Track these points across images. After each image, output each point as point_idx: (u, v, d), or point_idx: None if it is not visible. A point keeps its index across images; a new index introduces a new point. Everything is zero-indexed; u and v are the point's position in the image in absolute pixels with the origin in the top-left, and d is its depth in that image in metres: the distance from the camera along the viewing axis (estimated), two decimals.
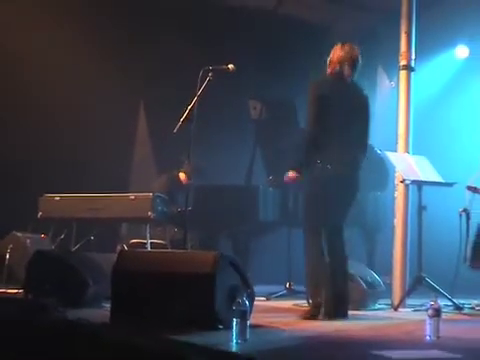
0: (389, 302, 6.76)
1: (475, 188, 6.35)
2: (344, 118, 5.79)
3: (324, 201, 5.74)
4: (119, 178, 9.45)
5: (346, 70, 5.81)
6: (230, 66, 6.04)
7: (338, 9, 10.39)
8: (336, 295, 5.68)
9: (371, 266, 7.51)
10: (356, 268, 6.78)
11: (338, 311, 5.66)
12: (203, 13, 9.44)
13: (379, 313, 6.34)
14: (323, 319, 5.54)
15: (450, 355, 3.79)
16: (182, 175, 8.38)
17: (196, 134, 5.84)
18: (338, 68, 5.81)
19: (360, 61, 5.86)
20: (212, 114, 8.53)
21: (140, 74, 9.36)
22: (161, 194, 7.49)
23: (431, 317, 4.36)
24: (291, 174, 5.86)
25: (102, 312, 5.23)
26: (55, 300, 5.13)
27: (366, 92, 6.02)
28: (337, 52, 5.84)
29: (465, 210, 6.32)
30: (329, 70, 5.85)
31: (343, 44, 5.85)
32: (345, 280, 5.85)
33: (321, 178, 5.72)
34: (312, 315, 5.62)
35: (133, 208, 7.15)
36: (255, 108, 7.79)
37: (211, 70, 5.96)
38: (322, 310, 5.61)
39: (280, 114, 7.67)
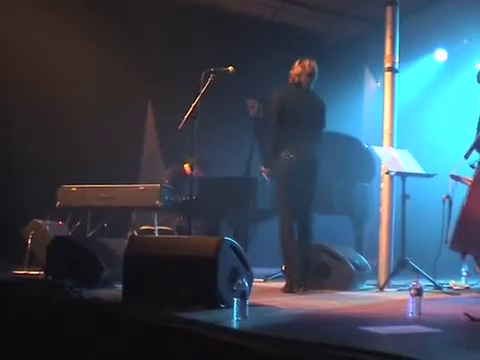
0: (375, 283, 6.77)
1: (458, 177, 6.33)
2: (302, 118, 6.31)
3: (291, 185, 6.21)
4: (130, 171, 9.45)
5: (303, 81, 6.34)
6: (230, 68, 6.03)
7: (330, 18, 10.38)
8: (303, 266, 6.14)
9: (359, 250, 7.50)
10: (345, 252, 6.78)
11: (298, 281, 6.06)
12: (209, 19, 9.42)
13: (366, 293, 6.34)
14: (297, 291, 5.97)
15: (430, 329, 3.80)
16: (187, 167, 8.36)
17: (199, 131, 5.84)
18: (296, 79, 6.36)
19: (316, 72, 6.39)
20: (214, 112, 8.53)
21: (148, 75, 9.33)
22: (168, 185, 7.48)
23: (413, 296, 4.36)
24: (264, 169, 6.72)
25: (115, 292, 5.23)
26: (72, 281, 5.12)
27: (322, 99, 6.53)
28: (296, 67, 6.37)
29: (448, 197, 6.31)
30: (290, 81, 6.40)
31: (301, 61, 6.36)
32: (309, 253, 6.28)
33: (287, 168, 6.20)
34: (289, 290, 6.00)
35: (142, 198, 7.15)
36: (253, 107, 7.78)
37: (213, 72, 5.96)
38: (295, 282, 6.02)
39: None
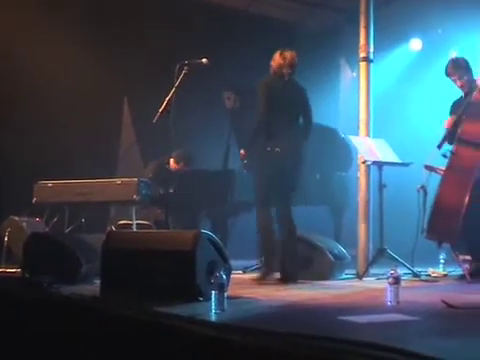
0: (354, 272, 6.79)
1: (431, 167, 6.38)
2: (287, 110, 6.30)
3: (272, 178, 6.21)
4: (107, 166, 9.41)
5: (285, 72, 6.30)
6: (204, 60, 6.01)
7: (305, 8, 10.38)
8: (288, 259, 6.18)
9: (338, 240, 7.53)
10: (324, 242, 6.81)
11: (292, 274, 6.11)
12: (184, 11, 9.36)
13: (345, 282, 6.36)
14: (283, 283, 5.99)
15: (408, 317, 3.82)
16: (172, 162, 8.33)
17: (175, 123, 5.82)
18: (278, 71, 6.32)
19: (297, 62, 6.36)
20: (191, 105, 8.50)
21: (124, 70, 9.28)
22: (145, 179, 7.46)
23: (391, 284, 4.38)
24: (242, 152, 6.60)
25: (93, 288, 5.19)
26: (50, 278, 5.09)
27: (305, 88, 6.49)
28: (277, 59, 6.34)
29: (423, 187, 6.35)
30: (272, 72, 6.37)
31: (282, 52, 6.33)
32: (295, 246, 6.27)
33: (269, 160, 6.20)
34: (261, 279, 6.07)
35: (120, 192, 7.12)
36: (229, 98, 7.77)
37: (187, 64, 5.94)
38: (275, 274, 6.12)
39: (251, 103, 7.65)
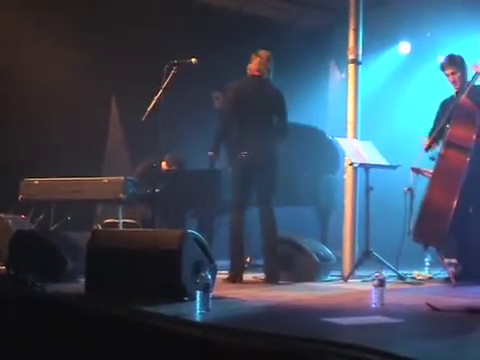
0: (340, 274, 6.81)
1: (418, 169, 6.40)
2: (259, 112, 6.35)
3: (244, 182, 6.30)
4: (94, 164, 9.37)
5: (261, 72, 6.37)
6: (193, 60, 6.01)
7: (296, 9, 10.38)
8: (269, 260, 6.28)
9: (324, 241, 7.54)
10: (310, 243, 6.82)
11: (273, 275, 6.20)
12: (175, 11, 9.34)
13: (331, 284, 6.37)
14: (266, 283, 6.11)
15: (393, 320, 3.84)
16: (164, 164, 8.33)
17: (164, 123, 5.82)
18: (255, 72, 6.37)
19: (272, 62, 6.41)
20: (180, 104, 8.51)
21: (112, 69, 9.25)
22: (132, 178, 7.45)
23: (376, 287, 4.40)
24: (210, 153, 6.78)
25: (79, 286, 5.18)
26: (35, 276, 5.08)
27: (281, 91, 6.48)
28: (253, 59, 6.40)
29: (410, 189, 6.38)
30: (249, 73, 6.42)
31: (257, 52, 6.40)
32: (276, 247, 6.32)
33: (242, 165, 6.26)
34: (232, 280, 6.15)
35: (106, 190, 7.08)
36: (218, 99, 7.77)
37: (176, 64, 5.93)
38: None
39: None
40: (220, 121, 6.45)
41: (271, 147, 6.38)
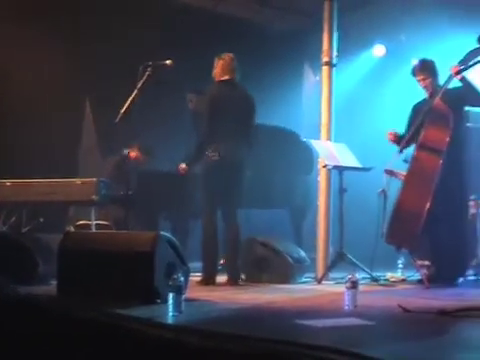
0: (314, 276, 6.82)
1: (392, 171, 6.44)
2: (230, 116, 6.35)
3: (213, 185, 6.30)
4: (67, 166, 9.31)
5: (228, 76, 6.40)
6: (168, 62, 6.01)
7: (272, 11, 10.39)
8: (231, 260, 6.37)
9: (298, 243, 7.56)
10: (284, 245, 6.84)
11: (234, 276, 6.29)
12: (149, 11, 9.30)
13: (305, 286, 6.40)
14: (229, 285, 6.17)
15: (365, 322, 3.86)
16: (133, 153, 8.26)
17: (138, 125, 5.81)
18: (221, 76, 6.41)
19: (236, 65, 6.42)
20: (155, 106, 8.47)
21: (86, 70, 9.19)
22: (105, 179, 7.41)
23: (349, 289, 4.41)
24: (182, 166, 6.61)
25: (51, 289, 5.15)
26: (7, 278, 5.04)
27: (251, 94, 6.52)
28: (217, 64, 6.44)
29: (383, 191, 6.41)
30: (216, 78, 6.43)
31: (220, 57, 6.43)
32: (237, 248, 6.38)
33: (211, 166, 6.27)
34: (205, 282, 6.16)
35: (79, 192, 7.04)
36: (192, 101, 7.75)
37: (150, 66, 5.93)
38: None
39: None
40: (201, 130, 6.39)
41: (241, 152, 6.40)
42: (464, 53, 6.21)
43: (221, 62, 6.41)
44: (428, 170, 6.25)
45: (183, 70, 7.20)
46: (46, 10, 8.91)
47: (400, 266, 6.84)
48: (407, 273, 6.76)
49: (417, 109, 6.61)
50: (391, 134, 6.60)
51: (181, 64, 6.34)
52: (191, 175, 6.96)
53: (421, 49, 8.48)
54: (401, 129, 6.72)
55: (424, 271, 6.33)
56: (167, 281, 4.22)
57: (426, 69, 6.50)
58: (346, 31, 7.62)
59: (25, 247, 5.98)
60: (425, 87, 6.53)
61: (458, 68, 6.17)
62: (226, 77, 6.40)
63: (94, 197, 6.96)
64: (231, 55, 6.42)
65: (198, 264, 6.36)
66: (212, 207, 6.35)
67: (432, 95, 6.45)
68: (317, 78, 9.81)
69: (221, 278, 6.37)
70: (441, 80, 6.42)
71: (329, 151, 6.88)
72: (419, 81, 6.54)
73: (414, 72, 6.56)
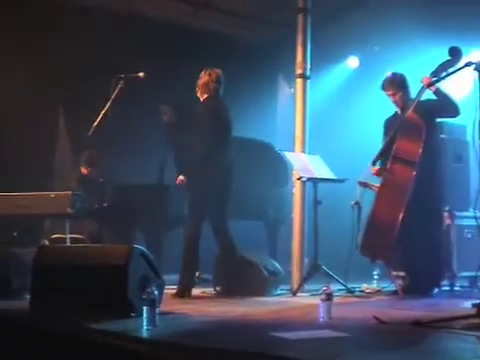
0: (289, 288, 6.83)
1: (366, 183, 6.47)
2: (229, 125, 6.54)
3: (212, 194, 6.37)
4: (41, 179, 9.25)
5: (216, 89, 6.47)
6: (141, 74, 6.01)
7: (246, 24, 10.42)
8: (230, 276, 6.42)
9: (273, 255, 7.57)
10: (259, 257, 6.83)
11: (235, 290, 6.29)
12: (124, 25, 9.29)
13: (280, 298, 6.39)
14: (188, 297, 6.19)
15: (340, 333, 3.86)
16: (84, 170, 8.33)
17: (111, 136, 5.80)
18: (207, 89, 6.45)
19: (222, 79, 6.50)
20: (129, 118, 8.46)
21: (60, 83, 9.15)
22: (78, 192, 7.39)
23: (324, 301, 4.42)
24: (180, 178, 6.57)
25: (24, 303, 5.11)
26: None
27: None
28: (203, 77, 6.49)
29: (357, 203, 6.43)
30: (205, 94, 6.47)
31: (207, 70, 6.48)
32: (236, 262, 6.47)
33: (210, 176, 6.32)
34: (181, 294, 6.17)
35: (54, 205, 7.02)
36: (166, 113, 7.76)
37: (123, 78, 5.93)
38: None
39: (188, 117, 7.68)
40: (207, 147, 6.37)
41: (231, 161, 6.54)
42: (436, 65, 6.26)
43: (207, 76, 6.48)
44: (401, 182, 6.28)
45: (157, 83, 7.21)
46: (21, 22, 8.88)
47: (375, 277, 6.86)
48: (382, 284, 6.79)
49: (388, 123, 6.66)
50: (375, 169, 6.56)
51: (155, 77, 6.34)
52: (165, 188, 6.97)
53: (395, 61, 8.55)
54: (376, 140, 6.76)
55: (399, 282, 6.35)
56: (141, 294, 4.20)
57: (395, 83, 6.53)
58: (320, 43, 7.66)
59: None
60: (395, 102, 6.57)
61: (430, 80, 6.21)
62: (215, 91, 6.48)
63: (69, 210, 6.95)
64: (218, 70, 6.51)
65: (173, 277, 6.34)
66: (200, 220, 6.40)
67: (403, 109, 6.49)
68: (292, 90, 9.83)
69: (194, 291, 6.36)
70: (413, 92, 6.46)
71: (303, 163, 6.89)
72: (389, 96, 6.57)
73: (383, 87, 6.59)
